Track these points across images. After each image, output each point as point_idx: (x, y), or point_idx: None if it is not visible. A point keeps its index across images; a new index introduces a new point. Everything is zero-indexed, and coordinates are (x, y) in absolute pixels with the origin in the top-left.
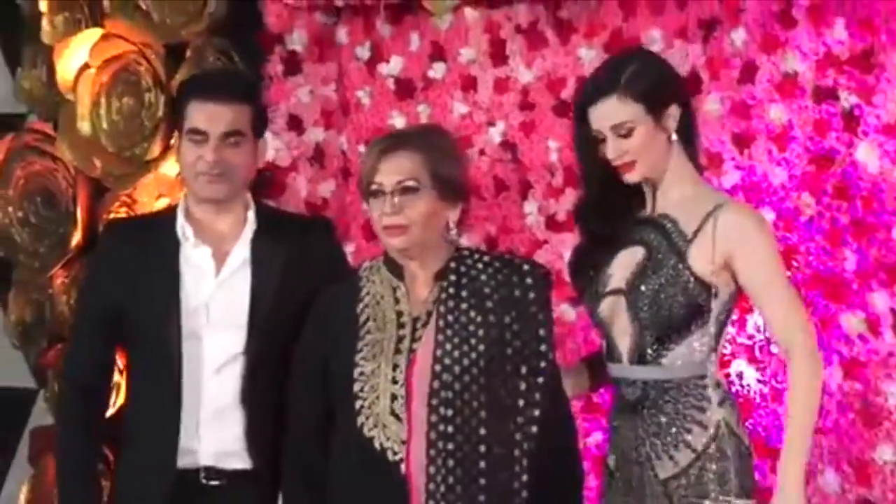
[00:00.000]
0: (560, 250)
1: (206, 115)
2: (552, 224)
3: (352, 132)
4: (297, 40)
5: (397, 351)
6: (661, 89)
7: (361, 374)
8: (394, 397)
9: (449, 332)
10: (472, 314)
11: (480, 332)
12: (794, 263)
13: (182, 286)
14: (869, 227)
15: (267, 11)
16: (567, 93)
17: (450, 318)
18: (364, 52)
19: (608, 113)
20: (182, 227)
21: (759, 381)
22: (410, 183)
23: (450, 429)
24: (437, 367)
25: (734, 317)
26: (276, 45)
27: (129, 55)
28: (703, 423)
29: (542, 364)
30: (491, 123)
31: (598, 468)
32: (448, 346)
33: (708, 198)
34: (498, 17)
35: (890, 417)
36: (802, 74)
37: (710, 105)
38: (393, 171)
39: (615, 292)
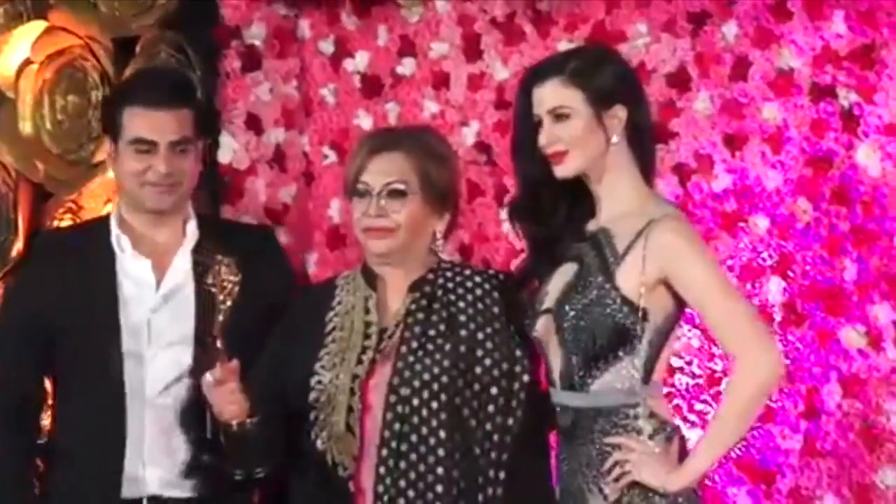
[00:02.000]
0: None
1: (151, 124)
2: None
3: (314, 133)
4: (255, 34)
5: (359, 361)
6: (609, 84)
7: (318, 383)
8: (350, 410)
9: (413, 343)
10: (441, 328)
11: (447, 347)
12: (790, 273)
13: (121, 302)
14: (870, 234)
15: (223, 3)
16: None
17: (416, 329)
18: (328, 46)
19: (548, 95)
20: (117, 237)
21: None
22: (399, 185)
23: (403, 446)
24: (396, 380)
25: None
26: (233, 39)
27: (74, 50)
28: (622, 460)
29: (516, 386)
30: (464, 123)
31: None
32: (410, 359)
33: (646, 211)
34: (472, 9)
35: (893, 439)
36: (798, 71)
37: (700, 103)
38: (382, 171)
39: (547, 311)
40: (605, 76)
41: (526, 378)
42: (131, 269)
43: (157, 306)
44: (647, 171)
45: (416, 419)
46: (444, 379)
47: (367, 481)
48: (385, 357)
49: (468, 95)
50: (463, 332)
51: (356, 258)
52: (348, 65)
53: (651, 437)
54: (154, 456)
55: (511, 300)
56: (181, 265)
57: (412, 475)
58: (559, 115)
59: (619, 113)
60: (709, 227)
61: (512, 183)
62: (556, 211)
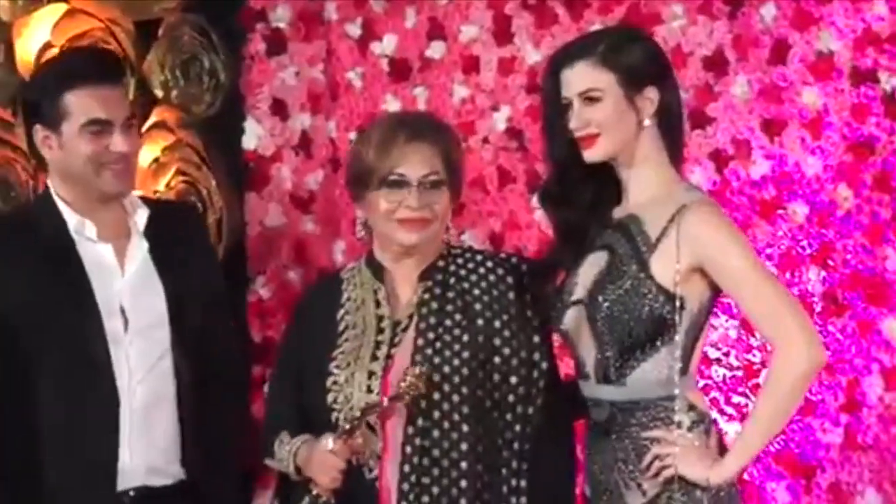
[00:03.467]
0: None
1: (103, 102)
2: None
3: (341, 118)
4: (280, 17)
5: (374, 358)
6: (640, 65)
7: (335, 383)
8: (368, 407)
9: (430, 335)
10: (458, 317)
11: (465, 337)
12: (830, 262)
13: (95, 289)
14: None
15: None
16: None
17: (432, 320)
18: (355, 29)
19: (578, 77)
20: (80, 223)
21: None
22: (437, 177)
23: (426, 443)
24: (408, 379)
25: (714, 335)
26: (258, 22)
27: (95, 33)
28: (661, 454)
29: (535, 374)
30: (495, 108)
31: None
32: (428, 352)
33: (676, 198)
34: None
35: None
36: (839, 54)
37: (738, 88)
38: (420, 161)
39: (578, 303)
40: (636, 57)
41: (545, 365)
42: (95, 254)
43: (127, 291)
44: (676, 156)
45: (437, 413)
46: (465, 371)
47: (391, 479)
48: (403, 351)
49: (499, 80)
50: (479, 321)
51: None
52: (375, 48)
53: (690, 429)
54: (139, 445)
55: (526, 285)
56: (141, 247)
57: (436, 471)
58: (590, 98)
59: (651, 95)
60: (747, 214)
61: (544, 169)
62: (583, 196)
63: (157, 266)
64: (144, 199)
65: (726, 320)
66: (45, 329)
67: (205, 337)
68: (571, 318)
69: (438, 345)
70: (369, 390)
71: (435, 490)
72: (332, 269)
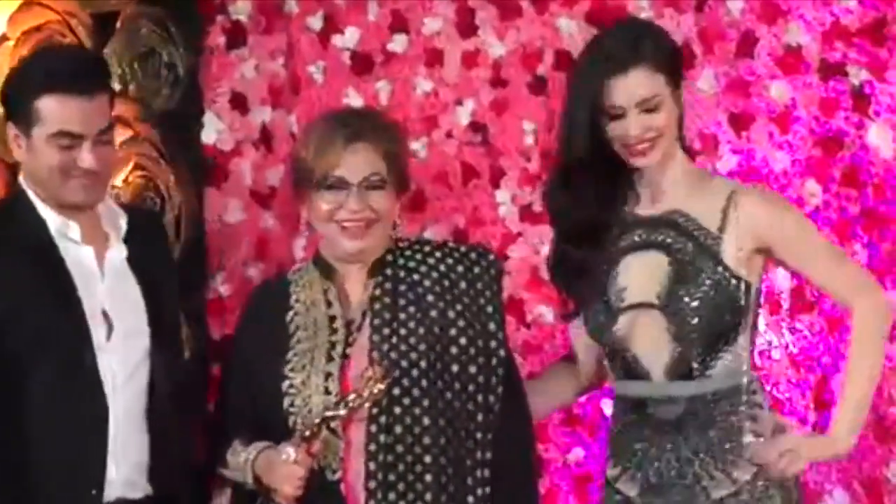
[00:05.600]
0: (536, 244)
1: (77, 115)
2: (528, 215)
3: (302, 112)
4: (241, 9)
5: (329, 358)
6: (677, 61)
7: (291, 387)
8: (327, 410)
9: (385, 331)
10: (411, 310)
11: (421, 330)
12: None
13: (81, 294)
14: (881, 217)
15: None
16: (543, 68)
17: (386, 315)
18: (316, 22)
19: (636, 85)
20: (63, 224)
21: None
22: (378, 177)
23: (389, 439)
24: (376, 366)
25: None
26: (218, 14)
27: (52, 25)
28: (758, 432)
29: (493, 362)
30: (459, 102)
31: (579, 488)
32: (385, 347)
33: (717, 185)
34: None
35: None
36: (807, 47)
37: (704, 82)
38: (359, 163)
39: (641, 306)
40: (673, 53)
41: (502, 353)
42: (77, 256)
43: (108, 296)
44: (685, 148)
45: (398, 409)
46: (423, 364)
47: (356, 479)
48: (358, 349)
49: (463, 73)
50: (433, 313)
51: None
52: (337, 41)
53: (770, 407)
54: (121, 456)
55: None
56: (120, 252)
57: (401, 467)
58: (651, 106)
59: (681, 91)
60: None
61: (508, 164)
62: (590, 195)
63: (134, 272)
64: (118, 204)
65: None
66: (31, 333)
67: (175, 346)
68: (627, 321)
69: (394, 339)
70: (327, 392)
71: (401, 486)
72: (292, 266)
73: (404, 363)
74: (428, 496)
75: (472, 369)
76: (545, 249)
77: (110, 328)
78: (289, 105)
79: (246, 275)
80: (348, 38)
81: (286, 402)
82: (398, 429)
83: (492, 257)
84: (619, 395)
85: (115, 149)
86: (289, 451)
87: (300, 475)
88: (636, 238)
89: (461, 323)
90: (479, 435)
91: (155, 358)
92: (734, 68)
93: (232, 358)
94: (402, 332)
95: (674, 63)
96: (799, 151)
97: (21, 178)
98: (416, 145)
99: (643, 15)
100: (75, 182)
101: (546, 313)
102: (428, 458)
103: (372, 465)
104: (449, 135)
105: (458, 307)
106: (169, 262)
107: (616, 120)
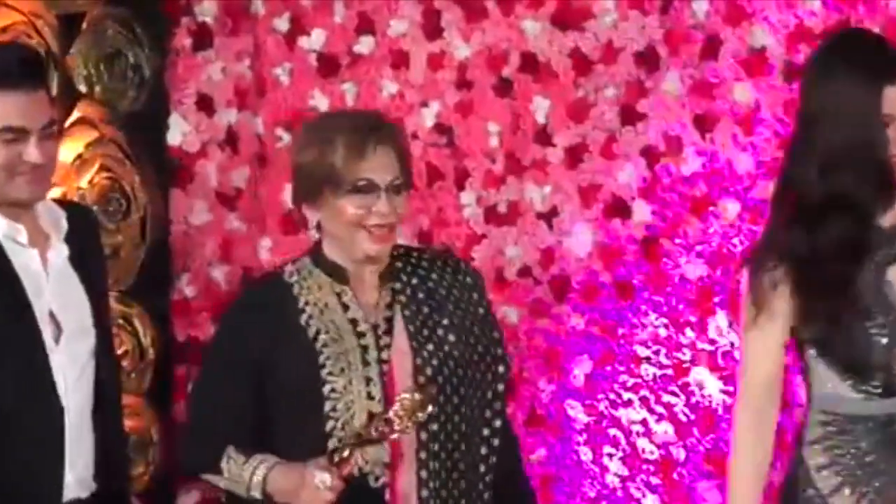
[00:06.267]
0: (500, 246)
1: (19, 109)
2: (492, 217)
3: (268, 114)
4: (207, 10)
5: (365, 363)
6: None
7: (332, 391)
8: (371, 416)
9: (421, 338)
10: (436, 318)
11: (451, 337)
12: None
13: (29, 295)
14: None
15: None
16: (509, 70)
17: (417, 322)
18: (282, 23)
19: None
20: (11, 227)
21: (721, 390)
22: (399, 180)
23: (436, 446)
24: (421, 379)
25: (694, 319)
26: (184, 15)
27: (17, 27)
28: None
29: (502, 369)
30: (424, 104)
31: (543, 487)
32: (426, 354)
33: None
34: None
35: None
36: (771, 49)
37: (669, 84)
38: (385, 166)
39: None
40: None
41: (507, 361)
42: (23, 259)
43: (54, 297)
44: None
45: (443, 417)
46: (460, 372)
47: (406, 486)
48: (399, 355)
49: (428, 75)
50: (455, 320)
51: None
52: (303, 43)
53: None
54: (76, 454)
55: (470, 285)
56: (62, 252)
57: (444, 475)
58: None
59: None
60: (677, 211)
61: (473, 166)
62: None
63: (76, 272)
64: (54, 201)
65: (656, 319)
66: None
67: (111, 345)
68: None
69: (431, 346)
70: (370, 397)
71: (444, 493)
72: (257, 268)
73: (445, 370)
74: (462, 502)
75: (489, 376)
76: (509, 250)
77: (58, 329)
78: (255, 107)
79: (211, 276)
80: (314, 39)
81: (327, 406)
82: (443, 436)
83: (476, 269)
84: (867, 415)
85: (58, 144)
86: (325, 478)
87: (331, 500)
88: (888, 250)
89: (476, 330)
90: (491, 440)
91: (99, 356)
92: (699, 70)
93: (224, 357)
94: (435, 338)
95: None
96: (763, 153)
97: None
98: None
99: (608, 18)
100: (21, 179)
101: (510, 314)
102: (462, 466)
103: (424, 474)
104: (414, 136)
105: (470, 317)
106: (103, 260)
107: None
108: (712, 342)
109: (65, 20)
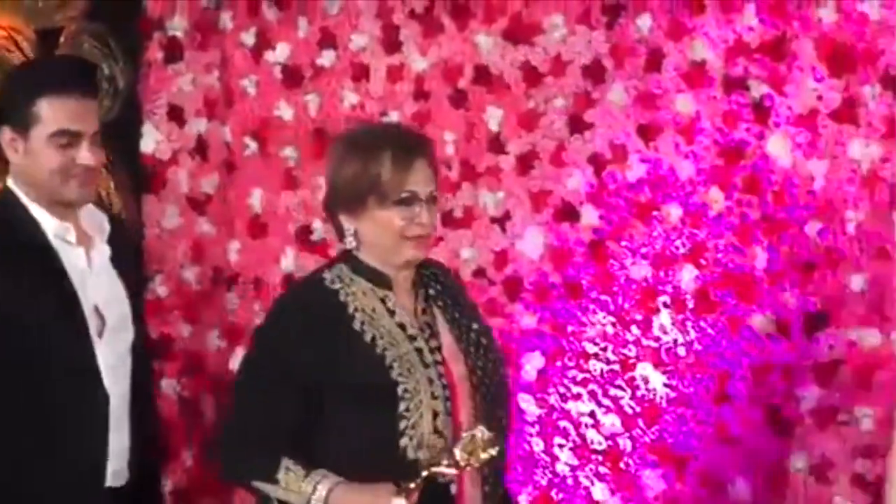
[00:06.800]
0: (456, 248)
1: (75, 114)
2: (448, 220)
3: (236, 123)
4: (177, 25)
5: (425, 365)
6: None
7: (406, 391)
8: (435, 414)
9: (466, 341)
10: (465, 322)
11: (484, 340)
12: (702, 262)
13: (79, 291)
14: (780, 223)
15: None
16: (464, 82)
17: (455, 326)
18: (249, 38)
19: None
20: (60, 226)
21: (665, 384)
22: (436, 193)
23: (499, 462)
24: (475, 380)
25: (639, 318)
26: (156, 30)
27: None
28: None
29: (504, 371)
30: (384, 114)
31: None
32: (473, 356)
33: None
34: (391, 1)
35: (802, 423)
36: (711, 63)
37: (615, 95)
38: (426, 178)
39: None
40: None
41: (505, 363)
42: (72, 257)
43: (99, 292)
44: None
45: (497, 415)
46: (499, 371)
47: (467, 483)
48: (451, 357)
49: (387, 87)
50: (475, 325)
51: (277, 247)
52: (269, 56)
53: None
54: (116, 444)
55: (460, 287)
56: (105, 252)
57: (493, 469)
58: None
59: None
60: (623, 216)
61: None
62: None
63: (116, 270)
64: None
65: (604, 317)
66: (38, 333)
67: (145, 341)
68: None
69: (473, 348)
70: (433, 396)
71: (487, 488)
72: (227, 268)
73: (490, 368)
74: (500, 492)
75: (503, 373)
76: (464, 252)
77: (102, 323)
78: (223, 116)
79: (183, 277)
80: (279, 53)
81: (402, 406)
82: (493, 432)
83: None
84: None
85: (104, 151)
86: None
87: None
88: None
89: (489, 334)
90: (506, 440)
91: (136, 350)
92: (643, 82)
93: (275, 364)
94: (474, 339)
95: None
96: (703, 161)
97: (10, 183)
98: None
99: (556, 33)
100: (74, 181)
101: None
102: (500, 463)
103: (486, 469)
104: None
105: (477, 317)
106: (134, 263)
107: None
108: (656, 339)
109: (43, 35)
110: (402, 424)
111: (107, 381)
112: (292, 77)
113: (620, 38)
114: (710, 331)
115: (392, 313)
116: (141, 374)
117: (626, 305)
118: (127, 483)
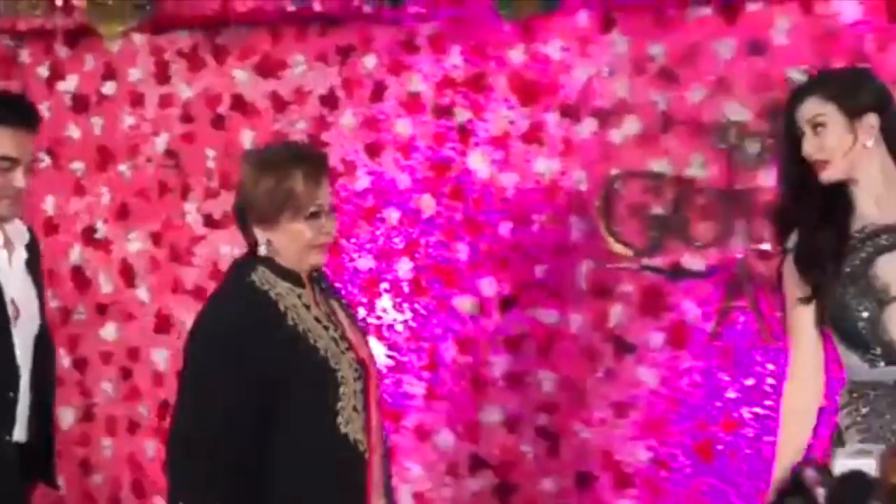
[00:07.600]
0: (217, 245)
1: (17, 143)
2: (209, 221)
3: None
4: None
5: (342, 351)
6: (858, 94)
7: (342, 376)
8: (354, 392)
9: (355, 325)
10: (350, 310)
11: (359, 325)
12: (416, 255)
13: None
14: (479, 224)
15: None
16: (223, 108)
17: (350, 314)
18: (44, 71)
19: (806, 109)
20: None
21: (386, 355)
22: (333, 203)
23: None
24: (364, 355)
25: (365, 301)
26: None
27: None
28: None
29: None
30: (156, 134)
31: None
32: (363, 337)
33: None
34: (162, 41)
35: (495, 384)
36: (424, 94)
37: (346, 119)
38: (328, 192)
39: None
40: (853, 87)
41: None
42: None
43: (15, 288)
44: None
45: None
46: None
47: (374, 452)
48: (356, 343)
49: (159, 112)
50: (352, 312)
51: (67, 243)
52: (61, 86)
53: None
54: (23, 406)
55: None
56: (21, 256)
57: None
58: (816, 125)
59: (872, 120)
60: (352, 219)
61: (194, 182)
62: (831, 213)
63: (29, 273)
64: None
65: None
66: None
67: (49, 332)
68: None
69: (356, 329)
70: (357, 378)
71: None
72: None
73: (367, 347)
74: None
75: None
76: (223, 249)
77: (17, 312)
78: None
79: None
80: (69, 83)
81: (341, 390)
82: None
83: None
84: (876, 381)
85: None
86: None
87: None
88: (873, 243)
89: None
90: None
91: (40, 338)
92: (369, 109)
93: (224, 370)
94: (362, 326)
95: (851, 95)
96: (418, 173)
97: None
98: (122, 167)
99: (299, 68)
100: (7, 200)
101: None
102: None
103: (383, 434)
104: (149, 160)
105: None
106: (42, 270)
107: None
108: (378, 318)
109: None
110: (340, 404)
111: (19, 358)
112: (80, 103)
113: (351, 72)
114: (422, 311)
115: (308, 307)
116: (44, 354)
117: (355, 291)
118: (29, 439)
